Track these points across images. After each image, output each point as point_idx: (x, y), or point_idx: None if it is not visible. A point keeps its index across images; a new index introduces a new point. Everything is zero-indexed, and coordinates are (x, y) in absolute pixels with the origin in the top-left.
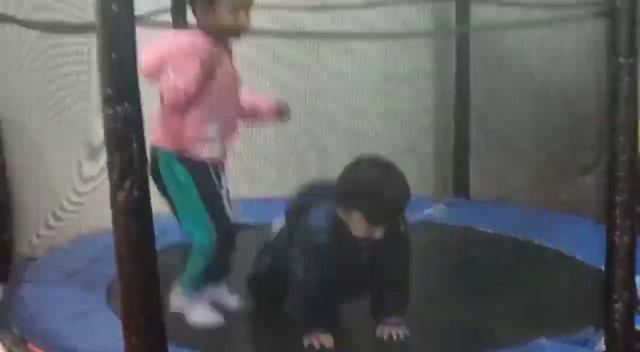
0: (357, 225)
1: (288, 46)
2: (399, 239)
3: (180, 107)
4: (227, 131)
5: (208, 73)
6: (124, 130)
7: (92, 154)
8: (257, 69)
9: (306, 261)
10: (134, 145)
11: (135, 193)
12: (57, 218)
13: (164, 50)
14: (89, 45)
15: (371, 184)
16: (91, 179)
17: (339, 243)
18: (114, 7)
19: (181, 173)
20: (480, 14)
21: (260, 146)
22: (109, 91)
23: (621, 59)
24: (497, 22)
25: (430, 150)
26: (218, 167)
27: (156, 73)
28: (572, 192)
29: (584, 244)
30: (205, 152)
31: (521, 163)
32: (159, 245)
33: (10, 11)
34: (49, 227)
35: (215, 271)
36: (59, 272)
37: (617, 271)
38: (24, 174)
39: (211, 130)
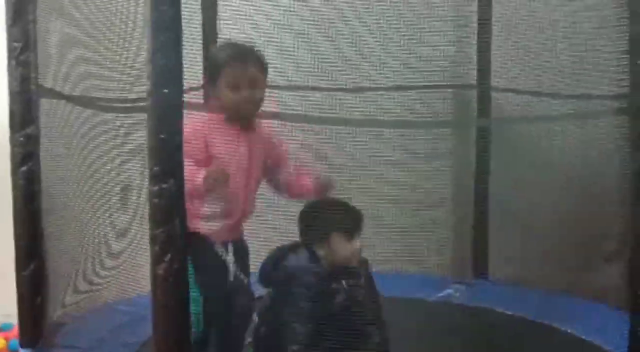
0: (339, 245)
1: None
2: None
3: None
4: (234, 208)
5: (202, 154)
6: (168, 205)
7: (119, 233)
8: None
9: (301, 311)
10: (176, 220)
11: (175, 266)
12: (87, 287)
13: None
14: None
15: (336, 202)
16: (118, 254)
17: (324, 285)
18: (166, 90)
19: None
20: (500, 99)
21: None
22: (156, 169)
23: None
24: (512, 115)
25: (449, 231)
26: (226, 241)
27: None
28: (595, 280)
29: (605, 331)
30: (203, 229)
31: (540, 249)
32: None
33: (58, 87)
34: (79, 294)
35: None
36: (87, 339)
37: None
38: (58, 244)
39: (211, 207)
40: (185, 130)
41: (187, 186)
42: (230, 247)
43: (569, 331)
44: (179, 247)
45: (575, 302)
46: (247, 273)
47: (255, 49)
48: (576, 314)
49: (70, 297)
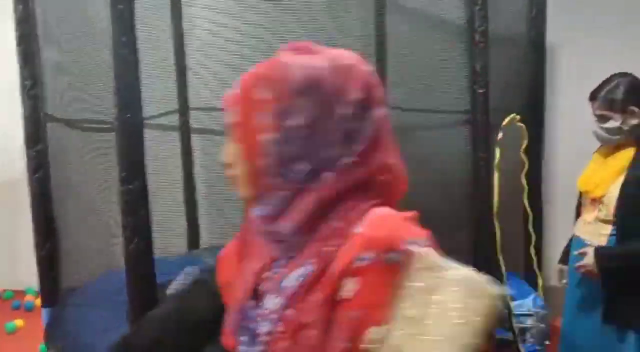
0: None
1: None
2: None
3: None
4: None
5: None
6: (134, 201)
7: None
8: None
9: None
10: (142, 212)
11: (142, 246)
12: (93, 259)
13: None
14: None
15: None
16: (117, 235)
17: None
18: (128, 115)
19: None
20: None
21: None
22: (123, 173)
23: (480, 154)
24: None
25: None
26: None
27: None
28: (452, 244)
29: None
30: None
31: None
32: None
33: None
34: (88, 265)
35: None
36: (94, 298)
37: None
38: (69, 227)
39: None
40: None
41: None
42: None
43: None
44: (144, 232)
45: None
46: None
47: None
48: None
49: (80, 268)
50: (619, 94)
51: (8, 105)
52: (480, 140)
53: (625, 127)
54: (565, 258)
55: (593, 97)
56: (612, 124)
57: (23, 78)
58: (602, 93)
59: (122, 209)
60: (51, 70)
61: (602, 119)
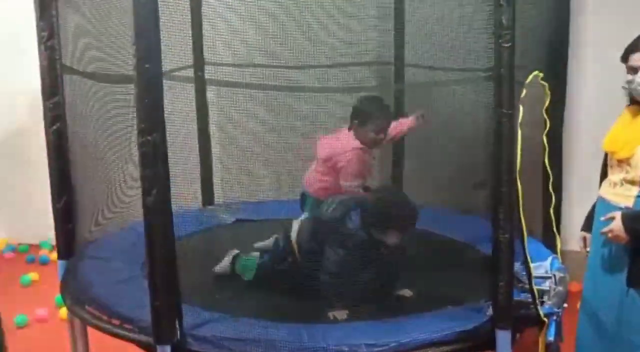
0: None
1: None
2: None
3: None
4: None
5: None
6: (153, 153)
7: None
8: None
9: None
10: (159, 164)
11: (160, 198)
12: (109, 212)
13: (334, 148)
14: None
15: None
16: (134, 186)
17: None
18: (147, 65)
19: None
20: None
21: None
22: (142, 125)
23: (503, 110)
24: (416, 82)
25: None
26: None
27: (328, 160)
28: (474, 201)
29: (482, 239)
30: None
31: (438, 181)
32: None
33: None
34: (103, 218)
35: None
36: (109, 251)
37: (500, 259)
38: (85, 180)
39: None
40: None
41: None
42: None
43: (459, 239)
44: (162, 184)
45: (463, 217)
46: None
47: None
48: (464, 226)
49: (96, 222)
50: None
51: (13, 59)
52: (504, 97)
53: None
54: (588, 224)
55: (634, 49)
56: None
57: (40, 29)
58: None
59: (140, 161)
60: (69, 24)
61: None
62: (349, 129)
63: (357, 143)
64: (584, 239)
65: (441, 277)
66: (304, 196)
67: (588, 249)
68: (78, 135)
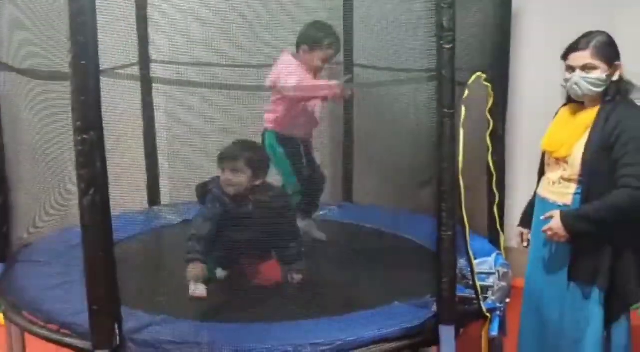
0: None
1: None
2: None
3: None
4: (310, 123)
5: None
6: (90, 151)
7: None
8: None
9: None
10: (97, 163)
11: (97, 198)
12: (46, 215)
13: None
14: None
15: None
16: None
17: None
18: (83, 62)
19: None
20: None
21: None
22: (78, 123)
23: (445, 110)
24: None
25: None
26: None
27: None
28: (418, 200)
29: (428, 236)
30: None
31: (387, 180)
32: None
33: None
34: (40, 221)
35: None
36: (46, 255)
37: (443, 256)
38: (21, 181)
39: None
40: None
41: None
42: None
43: (405, 236)
44: (100, 184)
45: (410, 216)
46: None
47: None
48: (410, 224)
49: (32, 225)
50: (606, 45)
51: None
52: (445, 97)
53: (611, 79)
54: (525, 220)
55: (574, 48)
56: (598, 74)
57: None
58: (593, 43)
59: (76, 160)
60: (4, 19)
61: (586, 69)
62: (297, 52)
63: (299, 64)
64: (521, 234)
65: (387, 274)
66: (263, 137)
67: (525, 244)
68: (15, 134)
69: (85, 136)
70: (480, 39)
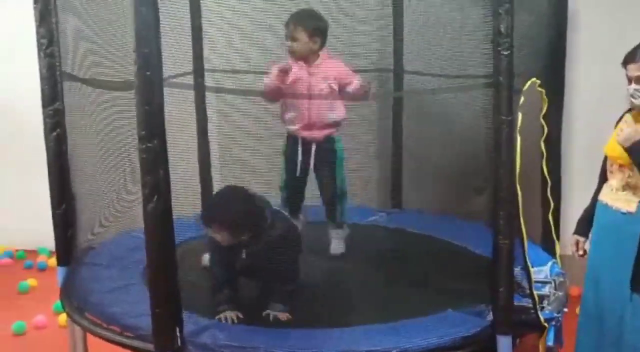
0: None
1: None
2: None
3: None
4: (300, 116)
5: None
6: (153, 160)
7: (135, 176)
8: None
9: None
10: (161, 171)
11: (161, 205)
12: (108, 219)
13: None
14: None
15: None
16: (133, 193)
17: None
18: (148, 73)
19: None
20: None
21: None
22: (143, 132)
23: (502, 117)
24: (415, 88)
25: (375, 176)
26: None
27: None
28: (473, 207)
29: (483, 244)
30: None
31: (437, 187)
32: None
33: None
34: (102, 225)
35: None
36: (106, 258)
37: (500, 264)
38: (85, 187)
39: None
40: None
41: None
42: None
43: (458, 243)
44: (163, 190)
45: (462, 223)
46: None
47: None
48: (463, 231)
49: (95, 229)
50: None
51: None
52: (503, 103)
53: None
54: (581, 228)
55: (630, 59)
56: None
57: (39, 36)
58: None
59: (141, 167)
60: (69, 30)
61: None
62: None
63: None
64: (577, 242)
65: (441, 281)
66: (331, 143)
67: (580, 252)
68: (78, 141)
69: (149, 144)
70: (535, 42)
